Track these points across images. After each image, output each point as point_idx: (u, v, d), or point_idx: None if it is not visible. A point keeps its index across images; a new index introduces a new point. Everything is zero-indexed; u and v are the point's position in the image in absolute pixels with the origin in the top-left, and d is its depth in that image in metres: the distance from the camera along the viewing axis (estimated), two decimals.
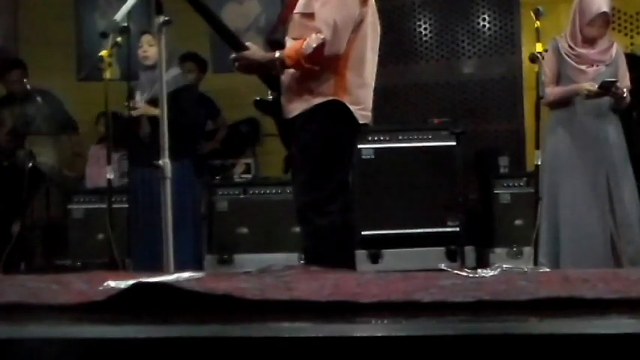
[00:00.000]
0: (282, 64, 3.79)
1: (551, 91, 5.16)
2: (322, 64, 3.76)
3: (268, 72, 3.91)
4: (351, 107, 3.83)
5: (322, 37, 3.70)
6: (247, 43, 3.89)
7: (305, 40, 3.74)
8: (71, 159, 7.35)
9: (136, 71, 5.95)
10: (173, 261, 3.23)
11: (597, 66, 5.15)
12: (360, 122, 3.88)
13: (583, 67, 5.15)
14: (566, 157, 5.14)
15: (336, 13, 3.74)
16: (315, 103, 3.82)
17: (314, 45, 3.70)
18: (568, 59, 5.15)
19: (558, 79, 5.21)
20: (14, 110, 6.91)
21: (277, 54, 3.80)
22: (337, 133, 3.87)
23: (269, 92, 3.99)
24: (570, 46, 5.16)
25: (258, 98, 4.02)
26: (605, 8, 5.05)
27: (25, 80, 6.95)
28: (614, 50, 5.21)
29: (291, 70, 3.85)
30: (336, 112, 3.83)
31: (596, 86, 5.01)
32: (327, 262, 3.38)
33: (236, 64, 3.91)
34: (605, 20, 5.12)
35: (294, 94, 3.86)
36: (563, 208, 5.10)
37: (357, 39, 3.84)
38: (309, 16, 3.78)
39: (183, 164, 5.65)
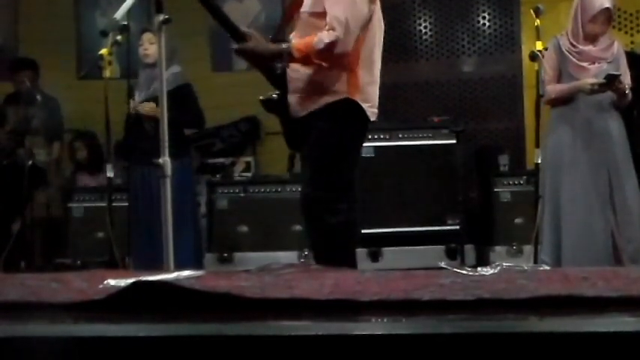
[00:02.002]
0: (289, 56, 3.74)
1: (553, 89, 5.15)
2: (331, 61, 3.73)
3: (272, 63, 3.83)
4: (363, 105, 3.82)
5: (336, 34, 3.67)
6: (249, 32, 3.79)
7: (316, 35, 3.70)
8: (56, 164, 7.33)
9: (136, 69, 5.95)
10: (173, 259, 3.23)
11: (599, 63, 5.14)
12: (371, 120, 3.89)
13: (585, 64, 5.14)
14: (568, 154, 5.14)
15: (347, 11, 3.71)
16: (328, 101, 3.79)
17: (327, 41, 3.66)
18: (569, 56, 5.14)
19: (559, 77, 5.20)
20: (18, 110, 6.91)
21: (284, 45, 3.75)
22: (350, 132, 3.87)
23: (274, 90, 3.96)
24: (572, 44, 5.15)
25: (263, 97, 3.99)
26: (607, 4, 5.04)
27: (26, 80, 6.95)
28: (615, 48, 5.20)
29: (301, 69, 3.81)
30: (349, 110, 3.81)
31: (598, 79, 5.01)
32: (334, 260, 3.40)
33: (236, 54, 3.86)
34: (608, 16, 5.12)
35: (305, 93, 3.83)
36: (565, 206, 5.10)
37: (367, 36, 3.82)
38: (318, 15, 3.75)
39: (183, 163, 5.65)
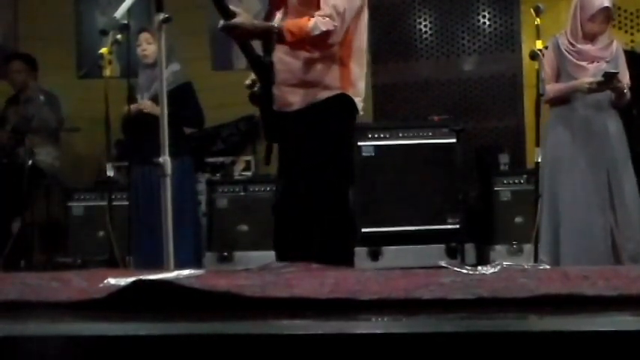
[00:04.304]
0: (279, 36, 3.62)
1: (551, 88, 5.15)
2: (322, 50, 3.67)
3: (259, 39, 3.71)
4: (355, 99, 3.77)
5: (334, 24, 3.59)
6: (236, 10, 3.67)
7: (309, 19, 3.61)
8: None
9: (136, 69, 5.95)
10: (173, 258, 3.23)
11: (598, 62, 5.14)
12: (360, 113, 3.84)
13: (583, 63, 5.14)
14: (567, 153, 5.14)
15: (346, 2, 3.66)
16: (323, 97, 3.71)
17: (324, 29, 3.58)
18: (568, 56, 5.14)
19: (558, 77, 5.21)
20: (18, 109, 6.92)
21: (275, 24, 3.64)
22: (346, 128, 3.81)
23: (257, 83, 3.84)
24: (571, 43, 5.15)
25: (253, 91, 3.91)
26: (607, 3, 5.04)
27: (24, 75, 6.95)
28: (614, 47, 5.20)
29: (292, 61, 3.74)
30: (344, 105, 3.75)
31: (596, 78, 5.01)
32: (338, 259, 3.36)
33: (222, 30, 3.69)
34: (607, 16, 5.11)
35: (296, 87, 3.74)
36: (564, 205, 5.10)
37: (358, 28, 3.76)
38: (310, 4, 3.67)
39: (183, 162, 5.65)
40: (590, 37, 5.13)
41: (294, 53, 3.73)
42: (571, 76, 5.14)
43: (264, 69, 3.77)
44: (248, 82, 3.90)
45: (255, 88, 3.84)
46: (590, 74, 5.10)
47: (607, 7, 5.05)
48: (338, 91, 3.73)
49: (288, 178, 3.89)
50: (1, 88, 7.30)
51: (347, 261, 3.60)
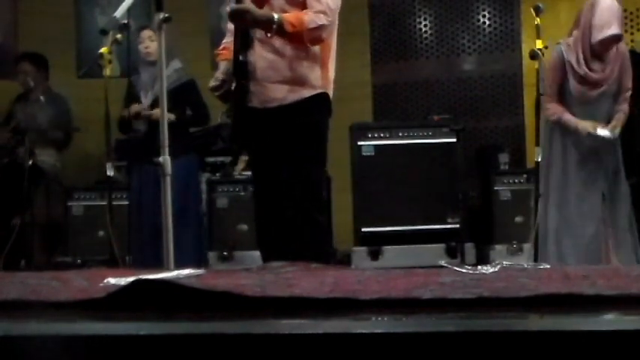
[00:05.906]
0: (280, 27, 3.63)
1: (553, 110, 5.09)
2: (315, 44, 3.74)
3: (260, 28, 3.70)
4: (330, 98, 3.86)
5: (329, 19, 3.67)
6: None
7: (305, 13, 3.66)
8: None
9: (136, 68, 5.94)
10: (175, 258, 3.23)
11: (601, 87, 5.09)
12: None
13: (585, 89, 5.09)
14: (561, 169, 5.12)
15: (336, 1, 3.74)
16: (307, 95, 3.77)
17: (320, 23, 3.65)
18: (571, 78, 5.08)
19: (560, 89, 5.14)
20: (25, 108, 6.92)
21: (276, 15, 3.63)
22: (326, 126, 3.88)
23: (226, 82, 3.86)
24: (578, 61, 5.07)
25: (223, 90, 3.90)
26: (618, 31, 4.99)
27: (31, 76, 6.96)
28: (617, 67, 5.13)
29: (277, 59, 3.75)
30: (325, 104, 3.84)
31: (598, 131, 4.99)
32: (325, 257, 3.41)
33: (232, 14, 3.68)
34: (617, 41, 5.07)
35: (281, 83, 3.77)
36: (557, 216, 5.08)
37: (335, 29, 3.83)
38: (296, 4, 3.71)
39: (189, 160, 5.63)
40: (598, 56, 5.08)
41: (277, 51, 3.76)
42: (573, 97, 5.09)
43: (241, 65, 3.77)
44: (214, 83, 3.93)
45: (231, 87, 3.84)
46: (592, 98, 5.05)
47: (619, 34, 5.00)
48: (320, 90, 3.81)
49: (269, 174, 3.88)
50: (8, 87, 7.29)
51: (327, 255, 3.69)
